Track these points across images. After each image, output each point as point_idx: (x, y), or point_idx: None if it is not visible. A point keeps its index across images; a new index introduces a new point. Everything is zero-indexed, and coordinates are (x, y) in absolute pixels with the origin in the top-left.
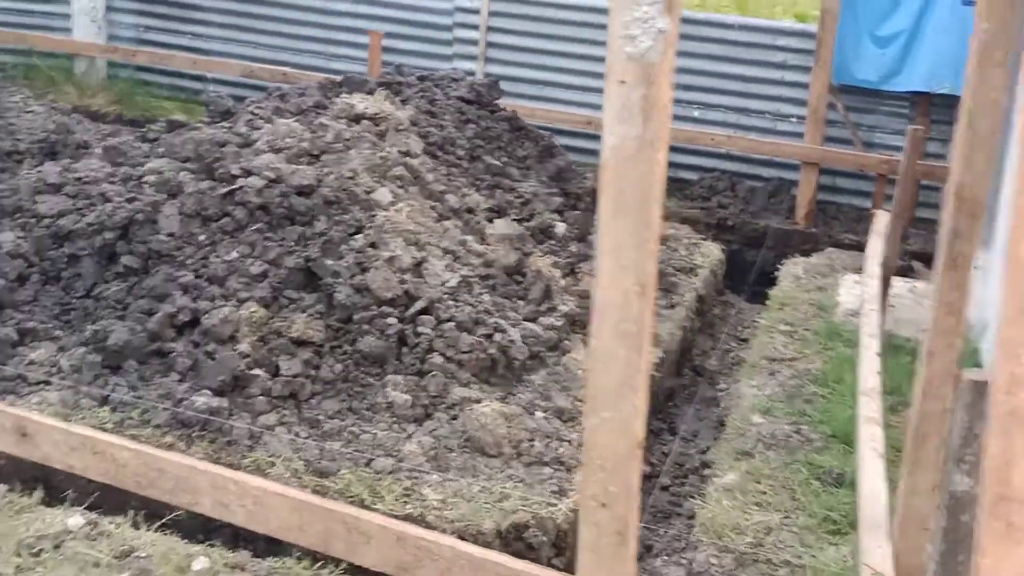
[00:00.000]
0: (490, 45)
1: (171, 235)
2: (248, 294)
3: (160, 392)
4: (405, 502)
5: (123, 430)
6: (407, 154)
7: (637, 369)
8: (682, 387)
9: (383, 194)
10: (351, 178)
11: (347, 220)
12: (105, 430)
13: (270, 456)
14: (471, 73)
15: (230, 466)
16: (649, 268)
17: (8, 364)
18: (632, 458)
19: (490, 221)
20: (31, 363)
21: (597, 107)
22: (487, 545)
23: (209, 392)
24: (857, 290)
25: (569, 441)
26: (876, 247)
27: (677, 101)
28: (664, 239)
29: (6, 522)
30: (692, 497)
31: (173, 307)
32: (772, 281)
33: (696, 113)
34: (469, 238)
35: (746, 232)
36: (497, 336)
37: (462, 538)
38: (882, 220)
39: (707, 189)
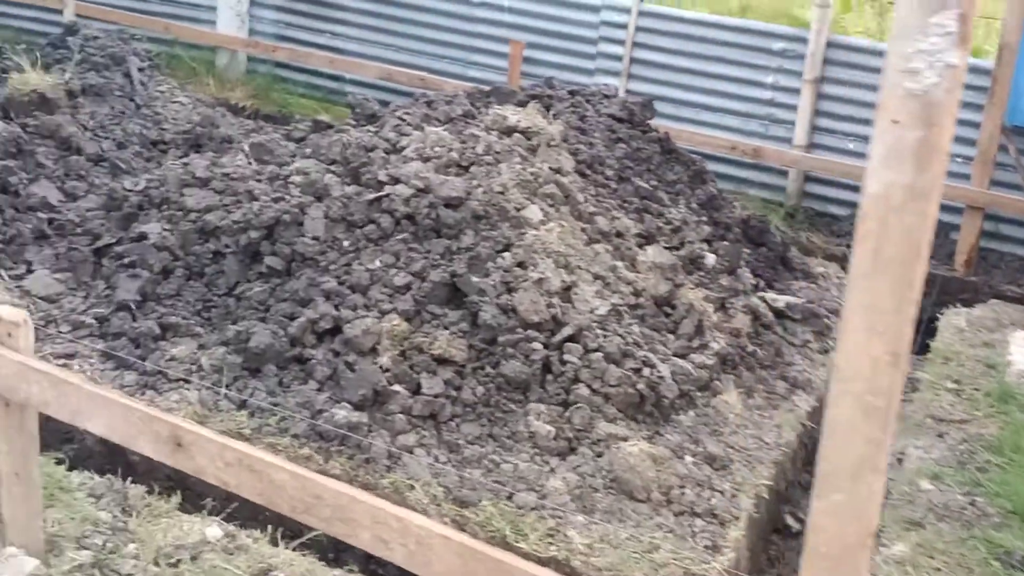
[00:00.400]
0: (634, 61)
1: (316, 239)
2: (390, 306)
3: (298, 400)
4: (549, 543)
5: (260, 437)
6: (558, 171)
7: (880, 448)
8: None
9: (533, 212)
10: (501, 193)
11: (495, 236)
12: (243, 435)
13: (409, 479)
14: (614, 88)
15: (367, 486)
16: (906, 334)
17: (149, 358)
18: (862, 548)
19: (640, 247)
20: (172, 359)
21: (742, 132)
22: None
23: (349, 406)
24: None
25: (721, 492)
26: None
27: (831, 131)
28: (813, 277)
29: (145, 527)
30: None
31: (315, 313)
32: (926, 330)
33: (851, 145)
34: (619, 264)
35: None
36: (646, 371)
37: None
38: None
39: None
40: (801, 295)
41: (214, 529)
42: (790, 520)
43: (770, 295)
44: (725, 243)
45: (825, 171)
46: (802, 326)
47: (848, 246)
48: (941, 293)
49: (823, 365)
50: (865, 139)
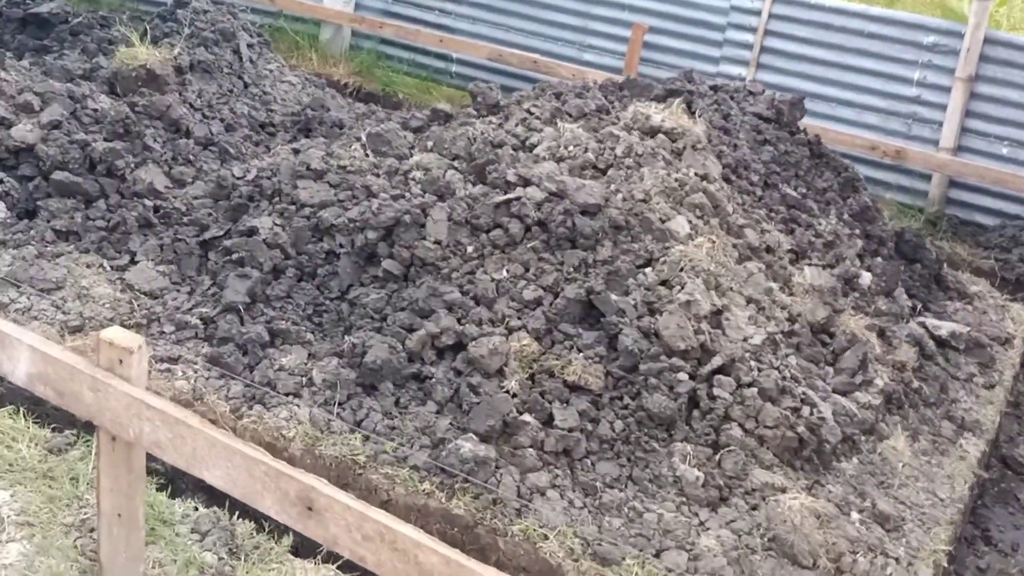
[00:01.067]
0: (765, 50)
1: (438, 243)
2: (519, 322)
3: (417, 424)
4: None
5: (376, 466)
6: (705, 178)
7: None
8: (991, 482)
9: (680, 224)
10: (643, 201)
11: (636, 250)
12: (357, 462)
13: (541, 526)
14: (741, 78)
15: (494, 531)
16: None
17: (257, 368)
18: None
19: (792, 264)
20: (281, 369)
21: (882, 131)
22: None
23: (475, 437)
24: None
25: (896, 559)
26: None
27: (983, 134)
28: (968, 297)
29: (252, 571)
30: None
31: (436, 327)
32: None
33: (1005, 150)
34: (774, 286)
35: None
36: (805, 410)
37: None
38: None
39: (1008, 239)
40: (958, 318)
41: None
42: None
43: (931, 321)
44: (879, 260)
45: (976, 177)
46: (966, 357)
47: (996, 259)
48: None
49: (991, 403)
50: (1021, 144)
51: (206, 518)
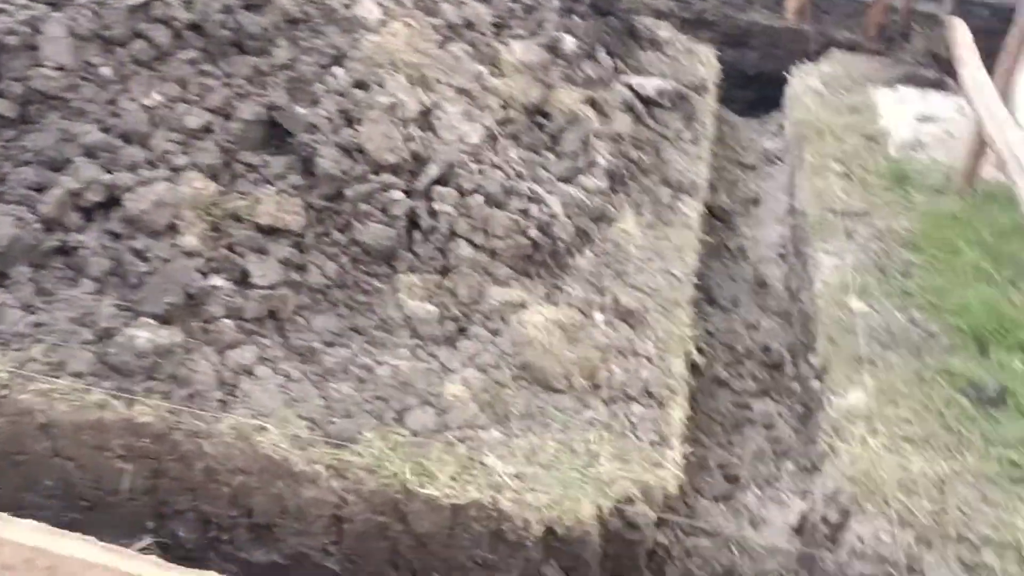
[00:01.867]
0: None
1: (60, 68)
2: (186, 159)
3: (71, 315)
4: (466, 481)
5: (24, 381)
6: None
7: None
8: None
9: (367, 7)
10: None
11: (320, 47)
12: None
13: (255, 416)
14: None
15: (196, 435)
16: None
17: None
18: None
19: (497, 38)
20: None
21: None
22: (586, 537)
23: (152, 322)
24: (901, 112)
25: (648, 357)
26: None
27: None
28: (660, 44)
29: None
30: (766, 395)
31: (77, 181)
32: (762, 87)
33: None
34: (483, 69)
35: (727, 29)
36: (534, 209)
37: (553, 531)
38: (962, 32)
39: None
40: (654, 70)
41: None
42: (696, 356)
43: (635, 80)
44: (576, 19)
45: None
46: (670, 112)
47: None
48: (769, 45)
49: (700, 158)
50: None
51: None
